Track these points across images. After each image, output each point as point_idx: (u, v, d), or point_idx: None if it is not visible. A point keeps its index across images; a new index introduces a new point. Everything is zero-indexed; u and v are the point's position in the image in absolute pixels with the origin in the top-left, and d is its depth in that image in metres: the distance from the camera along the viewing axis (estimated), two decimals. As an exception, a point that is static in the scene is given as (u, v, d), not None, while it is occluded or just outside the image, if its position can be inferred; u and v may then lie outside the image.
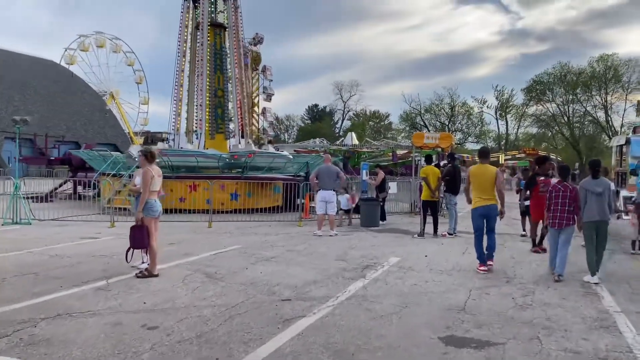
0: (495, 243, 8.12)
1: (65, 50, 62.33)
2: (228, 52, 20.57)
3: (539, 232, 9.82)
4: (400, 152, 37.95)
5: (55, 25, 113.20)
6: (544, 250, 9.51)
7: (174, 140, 20.83)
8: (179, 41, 20.54)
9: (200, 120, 19.68)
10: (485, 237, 7.95)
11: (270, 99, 57.33)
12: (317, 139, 50.13)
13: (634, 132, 31.14)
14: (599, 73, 57.67)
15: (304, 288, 6.46)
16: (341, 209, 13.81)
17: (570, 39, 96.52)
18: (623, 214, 12.18)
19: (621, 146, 25.09)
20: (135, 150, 15.47)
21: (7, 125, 36.12)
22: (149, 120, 69.02)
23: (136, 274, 7.02)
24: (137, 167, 8.91)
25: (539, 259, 8.87)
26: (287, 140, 77.07)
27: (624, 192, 13.25)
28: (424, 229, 11.66)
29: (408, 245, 10.39)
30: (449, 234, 11.77)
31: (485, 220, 7.90)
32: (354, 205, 14.43)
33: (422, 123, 71.05)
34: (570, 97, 60.04)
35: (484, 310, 5.59)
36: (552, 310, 5.60)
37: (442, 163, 16.61)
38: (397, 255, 9.00)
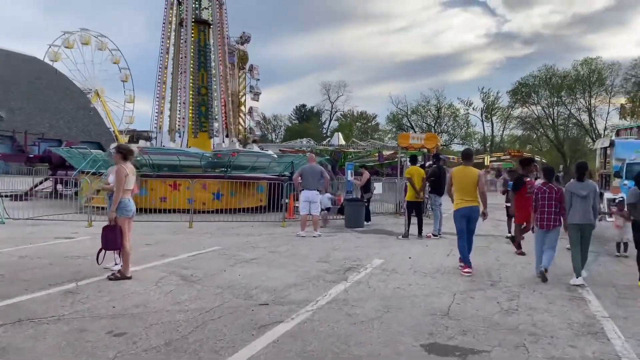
0: (472, 246, 8.05)
1: (50, 47, 61.20)
2: (212, 49, 20.22)
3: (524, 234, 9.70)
4: (386, 152, 37.84)
5: (39, 21, 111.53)
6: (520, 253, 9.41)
7: (156, 138, 20.43)
8: (163, 38, 20.15)
9: (183, 118, 19.32)
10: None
11: (258, 99, 56.97)
12: (304, 139, 49.87)
13: (617, 134, 31.50)
14: (583, 76, 58.33)
15: (283, 291, 6.22)
16: (323, 210, 13.57)
17: (555, 43, 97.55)
18: (607, 216, 12.14)
19: (605, 148, 25.20)
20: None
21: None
22: (135, 119, 68.21)
23: (108, 276, 6.72)
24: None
25: (524, 261, 8.73)
26: (274, 140, 76.72)
27: (607, 194, 13.23)
28: (408, 230, 11.49)
29: (392, 246, 10.20)
30: (434, 235, 11.62)
31: (467, 222, 7.84)
32: (336, 206, 14.27)
33: (408, 124, 71.22)
34: (555, 99, 60.62)
35: (468, 315, 5.40)
36: (538, 315, 5.43)
37: (427, 164, 16.47)
38: (381, 257, 8.80)
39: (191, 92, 19.57)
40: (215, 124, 20.65)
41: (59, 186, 19.43)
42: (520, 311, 5.59)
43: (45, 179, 22.37)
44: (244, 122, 52.98)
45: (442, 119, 71.64)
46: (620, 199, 11.04)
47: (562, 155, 59.70)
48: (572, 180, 7.60)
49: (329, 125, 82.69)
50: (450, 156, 47.19)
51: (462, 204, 7.82)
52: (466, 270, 7.59)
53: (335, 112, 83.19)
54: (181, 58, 19.59)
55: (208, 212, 15.24)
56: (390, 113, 73.80)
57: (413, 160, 12.90)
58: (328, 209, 14.00)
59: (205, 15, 20.18)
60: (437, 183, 12.09)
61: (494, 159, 56.12)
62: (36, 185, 22.10)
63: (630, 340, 4.72)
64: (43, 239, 10.06)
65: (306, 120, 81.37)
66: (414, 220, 11.74)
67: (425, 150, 18.56)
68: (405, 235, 11.41)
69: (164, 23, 20.19)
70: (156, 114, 20.11)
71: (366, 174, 14.64)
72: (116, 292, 6.03)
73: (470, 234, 7.94)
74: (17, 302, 5.47)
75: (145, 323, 4.86)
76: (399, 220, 15.12)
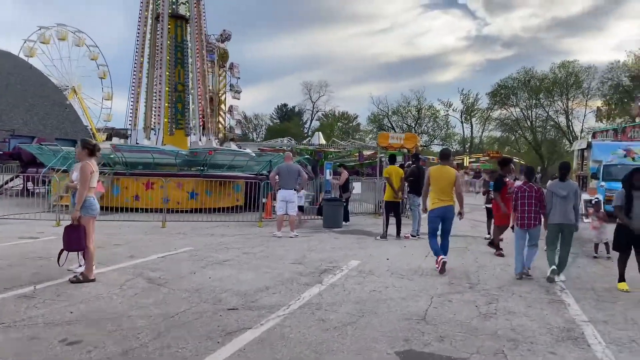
0: (449, 246, 7.98)
1: (25, 41, 59.67)
2: (190, 45, 19.77)
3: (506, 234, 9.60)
4: (367, 152, 37.74)
5: (14, 15, 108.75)
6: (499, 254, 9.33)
7: (130, 135, 19.90)
8: (138, 32, 19.62)
9: (159, 115, 18.84)
10: (439, 239, 7.90)
11: (239, 97, 56.32)
12: (285, 138, 49.50)
13: (593, 137, 31.93)
14: (560, 79, 59.10)
15: (254, 295, 5.94)
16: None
17: (534, 46, 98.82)
18: (583, 217, 12.13)
19: (582, 150, 25.46)
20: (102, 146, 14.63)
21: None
22: (113, 117, 67.00)
23: (70, 279, 6.36)
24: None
25: (503, 263, 8.61)
26: (255, 139, 76.11)
27: (585, 196, 13.20)
28: (386, 231, 11.31)
29: (370, 247, 9.99)
30: (412, 235, 11.45)
31: (441, 222, 7.83)
32: (314, 206, 14.00)
33: (389, 125, 71.34)
34: (534, 102, 61.31)
35: (445, 319, 5.20)
36: (517, 320, 5.26)
37: (406, 163, 16.33)
38: (358, 258, 8.59)
39: (167, 89, 19.10)
40: (192, 121, 20.20)
41: (29, 184, 18.80)
42: (499, 315, 5.42)
43: (16, 176, 21.66)
44: (224, 120, 52.35)
45: (422, 120, 71.96)
46: (596, 200, 11.04)
47: (539, 157, 60.42)
48: (555, 180, 7.66)
49: (310, 125, 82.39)
50: (430, 157, 47.36)
51: (438, 203, 7.78)
52: (440, 258, 7.62)
53: (317, 112, 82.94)
54: (157, 53, 19.10)
55: (183, 211, 14.87)
56: (371, 113, 73.95)
57: (392, 159, 12.73)
58: (301, 208, 13.59)
59: (182, 10, 19.72)
60: (416, 183, 11.91)
61: (473, 160, 56.56)
62: (6, 183, 21.41)
63: (611, 346, 4.57)
64: (6, 238, 9.60)
65: (287, 120, 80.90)
66: (392, 220, 11.56)
67: (405, 150, 18.43)
68: (384, 235, 11.23)
69: (140, 17, 19.67)
70: (131, 111, 19.59)
71: (345, 174, 14.42)
72: (76, 296, 5.68)
73: (446, 234, 7.89)
74: (-34, 307, 5.10)
75: (103, 330, 4.55)
76: (378, 220, 14.93)
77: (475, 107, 69.45)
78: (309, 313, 5.29)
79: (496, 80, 74.44)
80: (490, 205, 11.11)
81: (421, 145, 53.60)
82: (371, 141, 64.99)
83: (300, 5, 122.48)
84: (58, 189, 14.17)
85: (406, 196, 12.96)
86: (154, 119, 19.17)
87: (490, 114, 67.19)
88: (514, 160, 27.73)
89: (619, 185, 15.73)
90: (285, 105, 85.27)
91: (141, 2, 19.59)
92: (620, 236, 6.80)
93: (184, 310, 5.23)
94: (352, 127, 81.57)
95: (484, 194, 13.20)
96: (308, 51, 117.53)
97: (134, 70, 19.47)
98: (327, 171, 16.05)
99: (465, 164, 54.33)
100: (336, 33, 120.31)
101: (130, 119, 19.70)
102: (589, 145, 23.53)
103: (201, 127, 20.78)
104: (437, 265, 7.64)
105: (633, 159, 20.52)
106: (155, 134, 19.01)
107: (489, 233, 11.53)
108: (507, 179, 9.55)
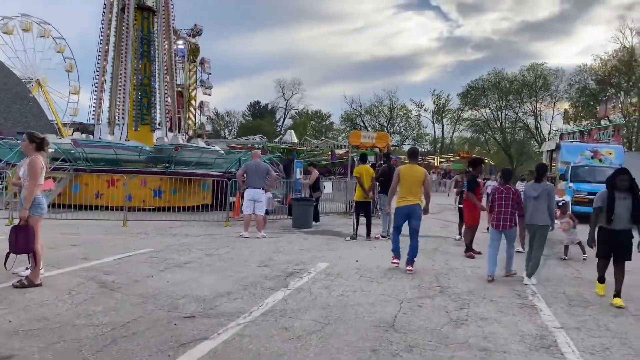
0: (418, 247, 7.83)
1: (-14, 32, 57.38)
2: (157, 38, 19.10)
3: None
4: (339, 151, 37.54)
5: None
6: (477, 253, 9.25)
7: (94, 130, 19.14)
8: (103, 23, 18.86)
9: (124, 110, 18.14)
10: (409, 240, 7.84)
11: (210, 93, 55.37)
12: (257, 135, 48.87)
13: (561, 138, 32.46)
14: (529, 81, 60.14)
15: (214, 301, 5.58)
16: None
17: (504, 49, 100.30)
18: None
19: (551, 151, 25.80)
20: (52, 140, 13.91)
21: None
22: (80, 111, 64.91)
23: (14, 283, 5.88)
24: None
25: (474, 265, 8.46)
26: (227, 136, 75.13)
27: (554, 197, 13.31)
28: (356, 232, 11.06)
29: (339, 249, 9.72)
30: (382, 236, 11.23)
31: (408, 220, 7.82)
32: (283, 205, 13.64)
33: (362, 124, 71.36)
34: (503, 103, 62.21)
35: (415, 327, 4.95)
36: (489, 327, 5.05)
37: (378, 163, 16.16)
38: (326, 260, 8.30)
39: (132, 83, 18.41)
40: (158, 117, 19.54)
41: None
42: (470, 322, 5.20)
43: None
44: (194, 116, 51.38)
45: (394, 120, 72.21)
46: (563, 201, 11.05)
47: (509, 157, 61.31)
48: (530, 181, 7.73)
49: (283, 123, 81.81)
50: (402, 156, 47.49)
51: (404, 202, 7.81)
52: (394, 261, 7.86)
53: (290, 110, 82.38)
54: (122, 45, 18.39)
55: (148, 210, 14.32)
56: (344, 112, 73.79)
57: (363, 159, 12.48)
58: (267, 212, 12.33)
59: (149, 1, 19.03)
60: (387, 183, 11.66)
61: (444, 160, 57.05)
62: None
63: (585, 355, 4.40)
64: (-49, 238, 8.95)
65: (260, 117, 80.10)
66: (363, 220, 11.33)
67: (377, 149, 18.27)
68: (354, 236, 10.99)
69: (104, 7, 18.91)
70: (95, 103, 18.83)
71: (315, 173, 14.12)
72: (18, 302, 5.22)
73: (414, 233, 7.83)
74: None
75: (42, 342, 4.13)
76: (348, 220, 14.67)
77: (447, 108, 70.10)
78: (272, 321, 4.97)
79: (467, 82, 75.22)
80: (462, 206, 10.99)
81: (393, 145, 53.80)
82: (344, 140, 64.94)
83: (274, 2, 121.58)
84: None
85: (377, 196, 12.74)
86: (118, 113, 18.46)
87: (461, 114, 67.93)
88: (485, 160, 27.96)
89: (587, 186, 15.86)
90: (258, 102, 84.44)
91: (107, -9, 18.82)
92: (600, 243, 6.53)
93: (136, 319, 4.84)
94: (325, 126, 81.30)
95: (457, 194, 13.10)
96: (281, 49, 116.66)
97: (98, 58, 18.66)
98: (297, 170, 15.71)
99: (436, 164, 54.79)
100: (310, 31, 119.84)
101: (94, 112, 18.94)
102: (558, 147, 23.81)
103: (168, 123, 20.15)
104: (393, 264, 7.86)
105: (600, 160, 20.85)
106: (119, 129, 18.31)
107: (459, 234, 11.41)
108: (479, 179, 9.46)
